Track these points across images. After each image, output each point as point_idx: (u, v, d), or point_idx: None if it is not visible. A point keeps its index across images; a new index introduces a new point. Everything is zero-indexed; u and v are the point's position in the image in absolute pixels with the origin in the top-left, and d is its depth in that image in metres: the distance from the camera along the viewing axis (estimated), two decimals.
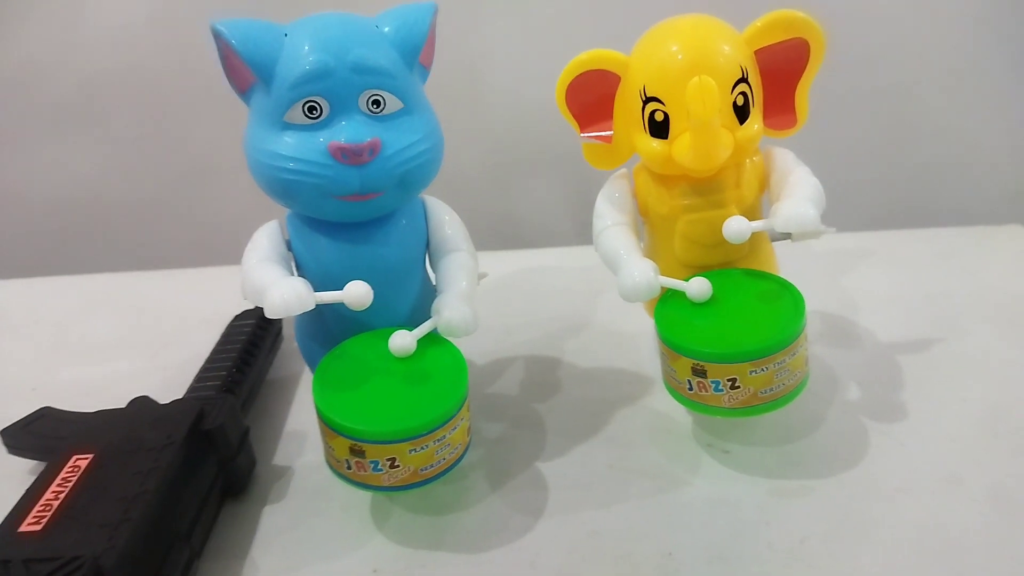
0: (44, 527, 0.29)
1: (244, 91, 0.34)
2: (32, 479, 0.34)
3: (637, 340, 0.47)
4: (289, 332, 0.50)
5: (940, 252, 0.55)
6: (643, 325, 0.47)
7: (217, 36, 0.32)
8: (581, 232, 0.72)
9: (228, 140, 0.70)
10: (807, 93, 0.37)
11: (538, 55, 0.65)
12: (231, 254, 0.56)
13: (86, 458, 0.33)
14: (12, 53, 0.70)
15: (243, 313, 0.48)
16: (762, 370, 0.32)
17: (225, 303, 0.50)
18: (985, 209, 0.65)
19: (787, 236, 0.39)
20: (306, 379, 0.47)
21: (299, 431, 0.42)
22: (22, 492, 0.32)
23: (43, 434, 0.39)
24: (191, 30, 0.67)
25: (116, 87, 0.70)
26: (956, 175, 0.67)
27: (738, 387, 0.33)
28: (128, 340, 0.53)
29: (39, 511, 0.30)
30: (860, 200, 0.65)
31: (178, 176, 0.74)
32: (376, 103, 0.33)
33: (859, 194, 0.66)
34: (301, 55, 0.32)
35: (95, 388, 0.47)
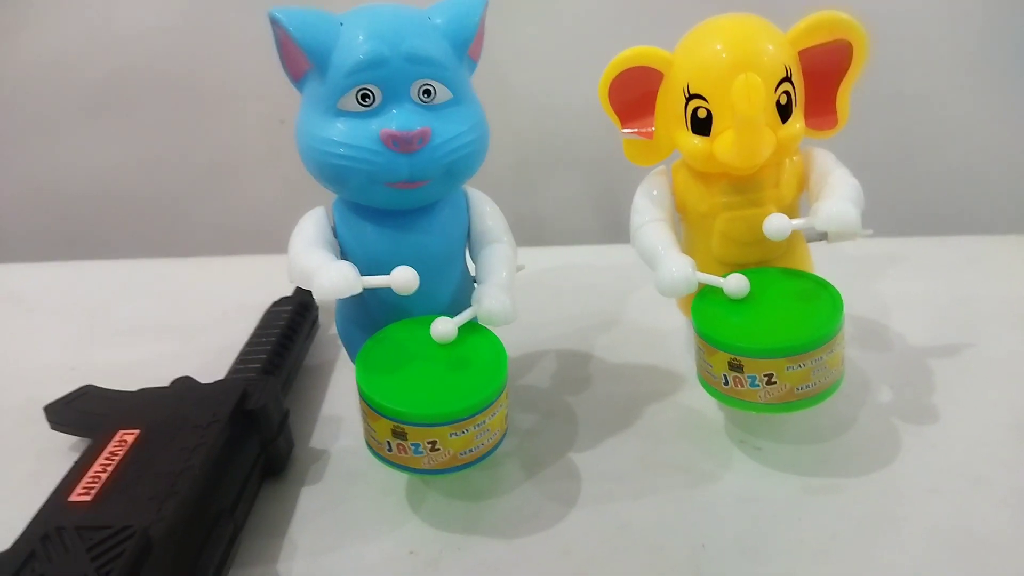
0: (94, 497, 0.30)
1: (298, 79, 0.34)
2: (74, 455, 0.35)
3: (668, 337, 0.47)
4: (325, 320, 0.51)
5: (969, 259, 0.56)
6: (674, 322, 0.47)
7: (275, 23, 0.33)
8: (607, 230, 0.73)
9: (256, 132, 0.72)
10: (849, 94, 0.37)
11: (565, 56, 0.66)
12: (263, 243, 0.57)
13: (132, 433, 0.34)
14: (46, 47, 0.71)
15: (281, 299, 0.49)
16: (799, 366, 0.33)
17: (258, 291, 0.50)
18: (1012, 216, 0.65)
19: (823, 237, 0.40)
20: (341, 365, 0.48)
21: (335, 416, 0.42)
22: (65, 467, 0.32)
23: (86, 411, 0.39)
24: (218, 24, 0.68)
25: (144, 82, 0.71)
26: (984, 183, 0.67)
27: (774, 383, 0.33)
28: (164, 325, 0.54)
29: (88, 482, 0.31)
30: (889, 206, 0.65)
31: (207, 167, 0.75)
32: (427, 93, 0.33)
33: (889, 200, 0.66)
34: (356, 44, 0.32)
35: (132, 370, 0.47)
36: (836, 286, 0.36)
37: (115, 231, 0.78)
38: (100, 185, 0.76)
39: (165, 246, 0.75)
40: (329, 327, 0.51)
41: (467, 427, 0.31)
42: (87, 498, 0.30)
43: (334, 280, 0.32)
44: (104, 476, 0.31)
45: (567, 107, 0.65)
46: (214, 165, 0.75)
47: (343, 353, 0.44)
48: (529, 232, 0.72)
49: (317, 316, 0.50)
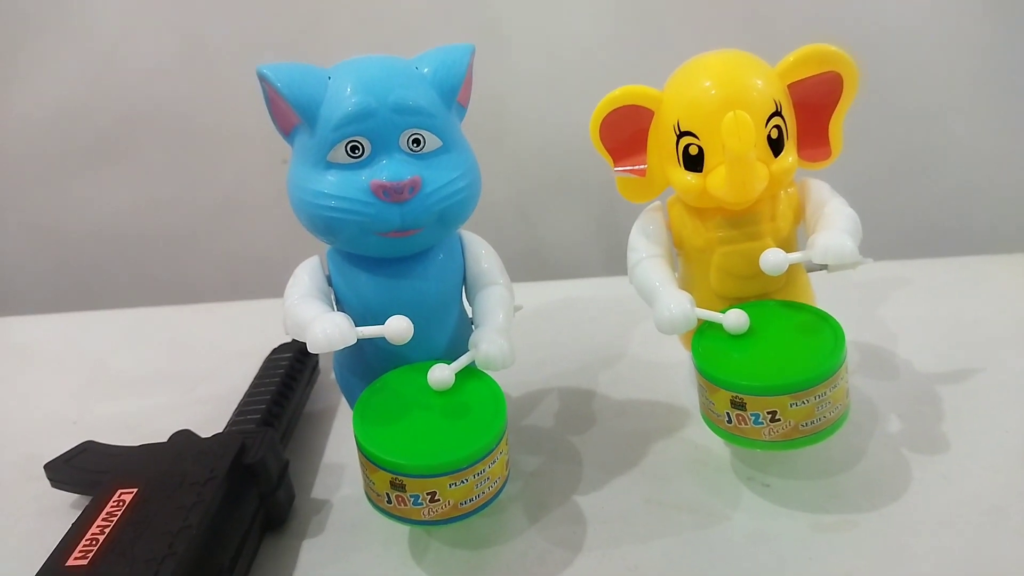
0: (91, 561, 0.30)
1: (288, 132, 0.34)
2: (74, 512, 0.34)
3: (672, 371, 0.47)
4: (326, 365, 0.51)
5: (974, 280, 0.55)
6: (677, 356, 0.47)
7: (263, 80, 0.33)
8: (610, 262, 0.73)
9: (258, 174, 0.73)
10: (841, 125, 0.37)
11: (564, 88, 0.67)
12: (265, 288, 0.57)
13: (131, 492, 0.34)
14: (49, 92, 0.72)
15: (281, 347, 0.49)
16: (803, 403, 0.32)
17: (260, 336, 0.50)
18: (1015, 236, 0.65)
19: (823, 267, 0.39)
20: (342, 412, 0.47)
21: (337, 464, 0.42)
22: (65, 525, 0.32)
23: (86, 468, 0.39)
24: (221, 68, 0.69)
25: (148, 125, 0.72)
26: (987, 202, 0.67)
27: (778, 420, 0.32)
28: (165, 374, 0.54)
29: (86, 545, 0.31)
30: (892, 228, 0.65)
31: (212, 211, 0.76)
32: (416, 142, 0.33)
33: (890, 222, 0.66)
34: (344, 97, 0.32)
35: (134, 422, 0.47)
36: (839, 313, 0.35)
37: (119, 276, 0.79)
38: (103, 230, 0.77)
39: (169, 291, 0.75)
40: (330, 372, 0.51)
41: (466, 476, 0.31)
42: (84, 562, 0.30)
43: (328, 332, 0.31)
44: (102, 538, 0.31)
45: (566, 140, 0.65)
46: (217, 208, 0.75)
47: (344, 399, 0.43)
48: (529, 266, 0.73)
49: (317, 362, 0.50)
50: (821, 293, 0.41)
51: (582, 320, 0.56)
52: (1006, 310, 0.50)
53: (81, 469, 0.39)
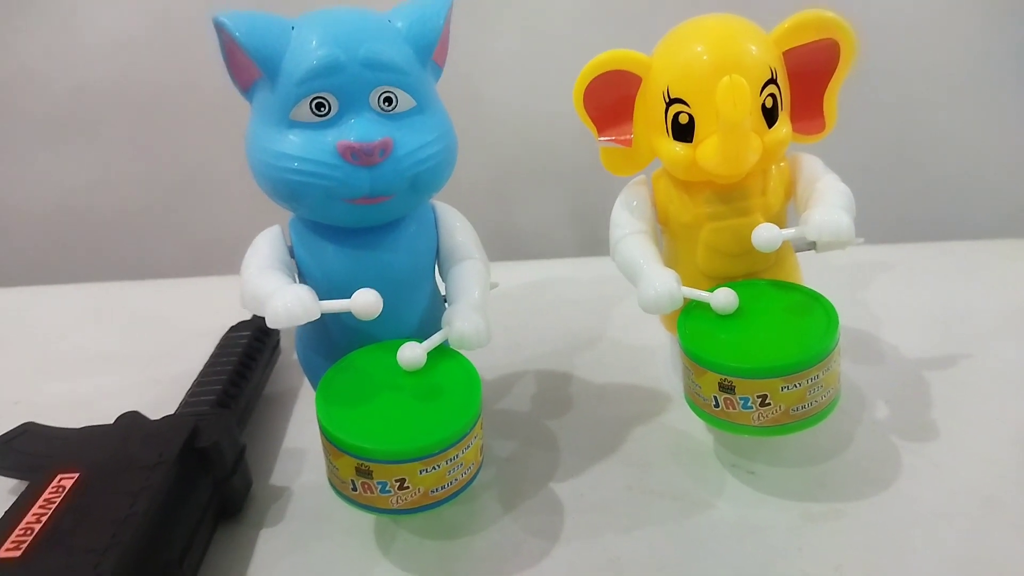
0: (24, 553, 0.27)
1: (247, 88, 0.32)
2: (11, 499, 0.32)
3: (652, 354, 0.45)
4: (288, 344, 0.49)
5: (961, 266, 0.54)
6: (658, 338, 0.45)
7: (220, 28, 0.30)
8: (586, 243, 0.71)
9: (222, 150, 0.70)
10: (836, 96, 0.35)
11: (541, 65, 0.65)
12: (225, 265, 0.54)
13: (71, 477, 0.31)
14: (4, 62, 0.68)
15: (239, 324, 0.46)
16: (795, 386, 0.30)
17: (220, 315, 0.48)
18: (1002, 222, 0.64)
19: (812, 246, 0.38)
20: (305, 394, 0.45)
21: (298, 449, 0.40)
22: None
23: (26, 451, 0.37)
24: (185, 39, 0.66)
25: (109, 96, 0.70)
26: (973, 188, 0.67)
27: (768, 404, 0.31)
28: (118, 353, 0.51)
29: (19, 535, 0.28)
30: (879, 213, 0.64)
31: (171, 186, 0.73)
32: (388, 101, 0.31)
33: (878, 206, 0.65)
34: (309, 49, 0.30)
35: (82, 403, 0.44)
36: (827, 297, 0.34)
37: (76, 253, 0.76)
38: (59, 206, 0.74)
39: (129, 268, 0.72)
40: (292, 352, 0.48)
41: (438, 462, 0.29)
42: (16, 554, 0.27)
43: (289, 305, 0.29)
44: (37, 527, 0.29)
45: (544, 117, 0.64)
46: (178, 184, 0.73)
47: (307, 380, 0.41)
48: (506, 246, 0.71)
49: (279, 341, 0.48)
50: (808, 276, 0.39)
51: (560, 301, 0.55)
52: (995, 296, 0.49)
53: (20, 452, 0.37)
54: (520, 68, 0.66)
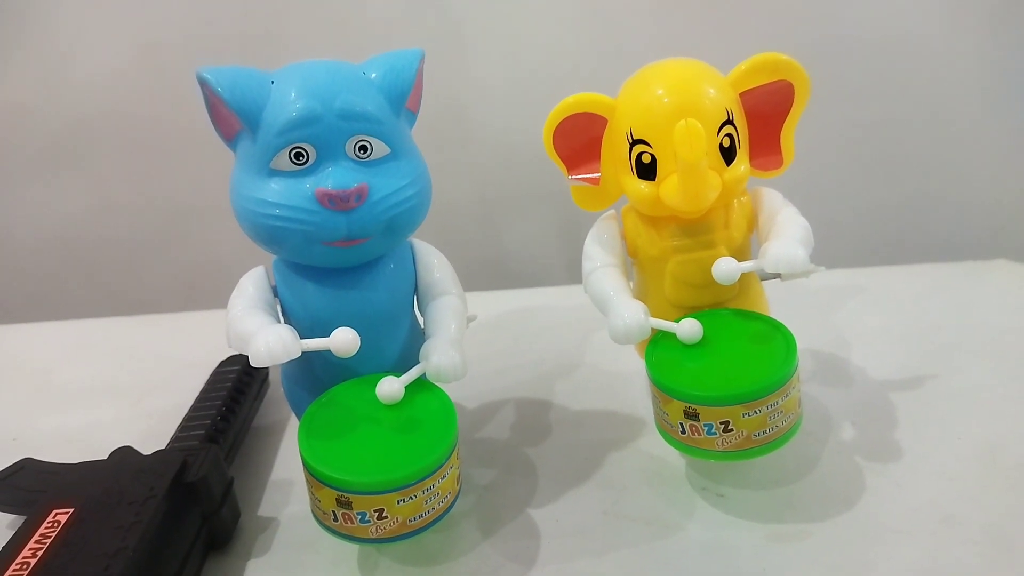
0: None
1: (230, 138, 0.34)
2: (11, 534, 0.33)
3: (628, 381, 0.47)
4: (276, 379, 0.50)
5: (929, 287, 0.56)
6: (634, 365, 0.46)
7: (203, 84, 0.32)
8: (569, 270, 0.72)
9: (213, 183, 0.70)
10: (792, 134, 0.37)
11: (526, 95, 0.66)
12: (216, 298, 0.55)
13: (66, 512, 0.32)
14: None
15: (229, 359, 0.48)
16: (755, 412, 0.32)
17: (210, 348, 0.49)
18: (970, 243, 0.65)
19: (777, 275, 0.39)
20: (292, 427, 0.46)
21: (285, 480, 0.41)
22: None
23: (24, 487, 0.38)
24: (176, 74, 0.67)
25: (101, 130, 0.71)
26: (940, 210, 0.68)
27: (731, 430, 0.32)
28: (111, 387, 0.52)
29: (15, 570, 0.29)
30: (847, 236, 0.65)
31: (165, 217, 0.74)
32: (363, 149, 0.33)
33: (846, 230, 0.67)
34: (288, 102, 0.32)
35: (77, 437, 0.46)
36: (793, 321, 0.35)
37: (69, 285, 0.77)
38: (54, 237, 0.75)
39: (122, 300, 0.73)
40: (280, 386, 0.49)
41: (415, 492, 0.30)
42: None
43: (271, 344, 0.30)
44: (33, 562, 0.30)
45: (529, 144, 0.65)
46: (172, 215, 0.74)
47: (293, 413, 0.42)
48: (491, 271, 0.72)
49: (267, 375, 0.49)
50: (776, 302, 0.40)
51: (539, 329, 0.56)
52: (960, 318, 0.51)
53: (18, 488, 0.38)
54: (506, 95, 0.67)
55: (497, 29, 0.66)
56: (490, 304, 0.47)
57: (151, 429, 0.43)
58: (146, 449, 0.37)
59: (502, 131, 0.68)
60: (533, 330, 0.56)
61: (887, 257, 0.61)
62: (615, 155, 0.37)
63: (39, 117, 0.70)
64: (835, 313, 0.53)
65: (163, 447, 0.38)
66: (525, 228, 0.73)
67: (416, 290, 0.38)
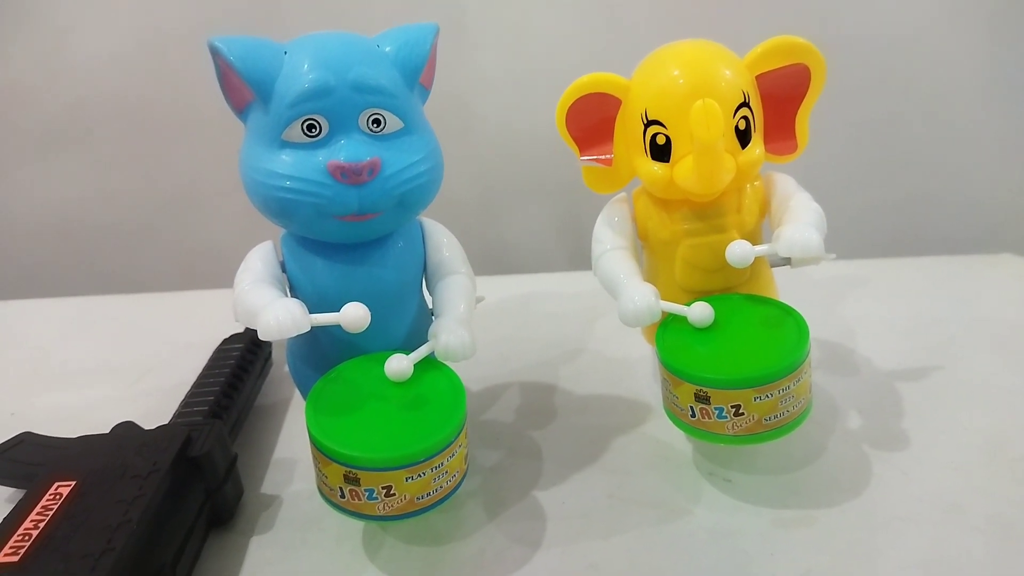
0: (22, 558, 0.28)
1: (241, 109, 0.33)
2: (10, 507, 0.32)
3: (634, 366, 0.47)
4: (279, 357, 0.49)
5: (935, 280, 0.56)
6: (640, 351, 0.46)
7: (215, 53, 0.31)
8: (573, 258, 0.72)
9: (214, 164, 0.70)
10: (807, 119, 0.37)
11: (529, 82, 0.66)
12: (217, 278, 0.55)
13: (68, 485, 0.32)
14: None
15: (231, 337, 0.47)
16: (767, 396, 0.32)
17: (212, 328, 0.49)
18: (974, 239, 0.66)
19: (786, 262, 0.39)
20: (296, 405, 0.46)
21: (288, 459, 0.41)
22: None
23: (23, 460, 0.37)
24: (177, 55, 0.67)
25: (102, 111, 0.70)
26: (944, 206, 0.68)
27: (742, 414, 0.32)
28: (111, 365, 0.52)
29: (17, 541, 0.29)
30: (853, 230, 0.65)
31: (164, 200, 0.73)
32: (376, 122, 0.32)
33: (852, 224, 0.66)
34: (301, 73, 0.31)
35: (76, 414, 0.45)
36: (802, 310, 0.35)
37: (69, 267, 0.76)
38: (53, 220, 0.74)
39: (123, 280, 0.73)
40: (283, 364, 0.49)
41: (423, 470, 0.30)
42: (14, 559, 0.28)
43: (280, 318, 0.30)
44: (35, 533, 0.29)
45: (531, 133, 0.65)
46: (171, 197, 0.73)
47: (297, 392, 0.42)
48: (494, 259, 0.72)
49: (270, 353, 0.48)
50: (784, 289, 0.40)
51: (544, 315, 0.56)
52: (967, 310, 0.51)
53: (17, 461, 0.38)
54: (508, 84, 0.67)
55: (500, 18, 0.66)
56: (493, 289, 0.47)
57: (150, 408, 0.43)
58: (148, 426, 0.37)
59: (504, 120, 0.68)
60: (537, 316, 0.56)
61: (891, 252, 0.61)
62: (628, 136, 0.37)
63: (39, 98, 0.70)
64: (842, 303, 0.53)
65: (164, 423, 0.38)
66: (527, 219, 0.72)
67: (425, 269, 0.37)
